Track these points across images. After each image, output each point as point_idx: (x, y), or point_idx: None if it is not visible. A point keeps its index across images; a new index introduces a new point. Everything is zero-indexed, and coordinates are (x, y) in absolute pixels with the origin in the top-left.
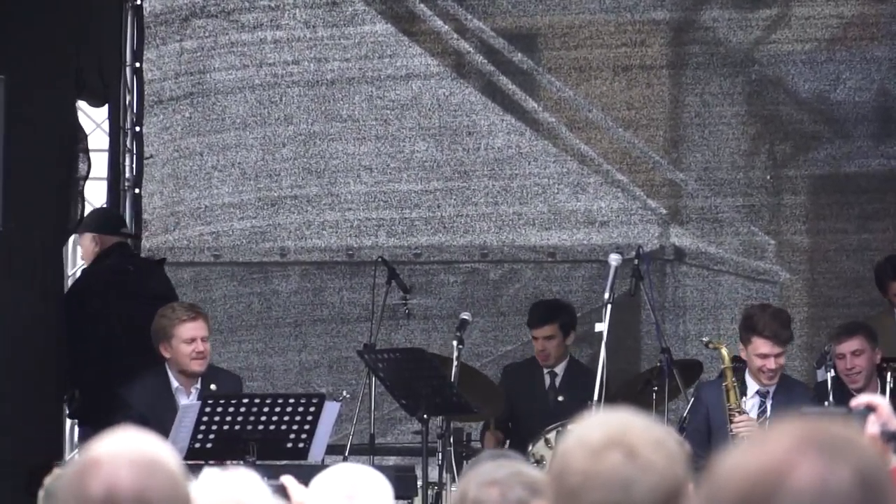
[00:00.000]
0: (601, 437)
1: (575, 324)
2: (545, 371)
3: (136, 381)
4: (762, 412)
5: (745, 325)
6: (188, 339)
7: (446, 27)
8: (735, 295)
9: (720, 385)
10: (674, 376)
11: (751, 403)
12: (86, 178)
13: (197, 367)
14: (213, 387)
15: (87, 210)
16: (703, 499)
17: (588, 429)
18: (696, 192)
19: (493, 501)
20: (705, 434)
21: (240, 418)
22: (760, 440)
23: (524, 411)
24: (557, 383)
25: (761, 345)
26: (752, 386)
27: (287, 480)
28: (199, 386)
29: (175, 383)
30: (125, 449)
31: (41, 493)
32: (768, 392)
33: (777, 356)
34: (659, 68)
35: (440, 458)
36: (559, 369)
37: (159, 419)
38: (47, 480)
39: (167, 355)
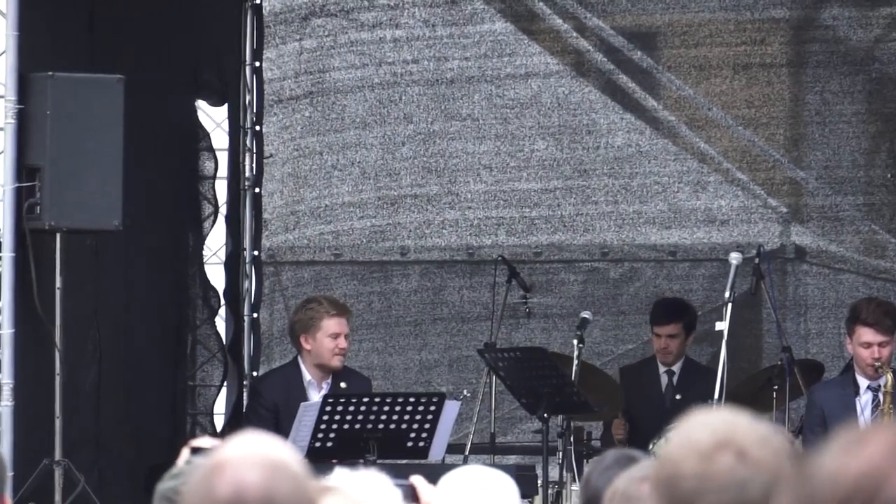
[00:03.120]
0: (709, 439)
1: (696, 323)
2: (662, 370)
3: (270, 372)
4: (876, 407)
5: (849, 316)
6: (333, 333)
7: (566, 26)
8: (856, 294)
9: (834, 385)
10: (795, 375)
11: (864, 399)
12: (213, 176)
13: (337, 362)
14: (342, 385)
15: (222, 208)
16: (799, 499)
17: (694, 432)
18: (817, 191)
19: (643, 497)
20: (821, 436)
21: (360, 417)
22: (856, 444)
23: (642, 411)
24: (675, 382)
25: (864, 332)
26: (864, 382)
27: (417, 481)
28: (329, 382)
29: (308, 376)
30: (251, 451)
31: (155, 496)
32: (880, 386)
33: (881, 345)
34: (779, 66)
35: (560, 457)
36: (676, 368)
37: (290, 411)
38: (159, 483)
39: (307, 347)
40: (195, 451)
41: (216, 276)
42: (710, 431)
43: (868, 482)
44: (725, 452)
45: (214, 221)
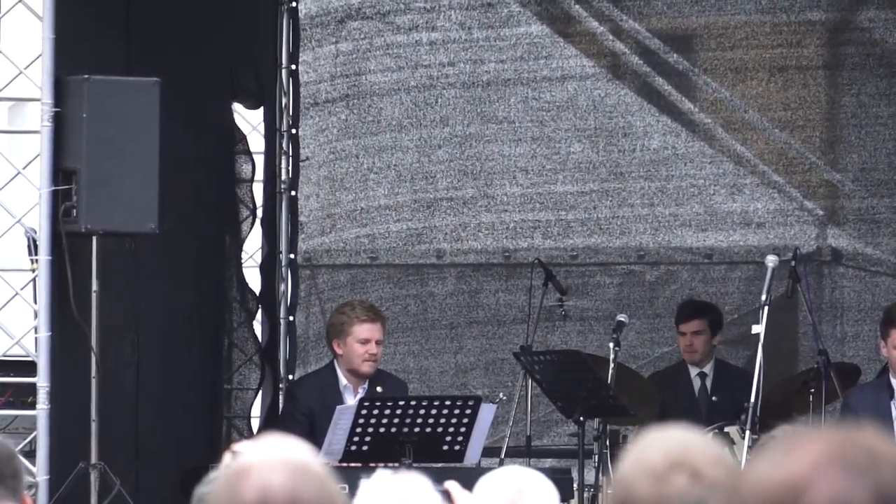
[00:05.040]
0: (663, 460)
1: (722, 323)
2: (694, 374)
3: (306, 376)
4: None
5: (884, 319)
6: (363, 339)
7: (602, 28)
8: (892, 296)
9: (869, 389)
10: (831, 378)
11: None
12: (251, 179)
13: (367, 368)
14: (379, 389)
15: (258, 211)
16: None
17: (647, 452)
18: (853, 193)
19: None
20: None
21: (396, 420)
22: (788, 451)
23: (677, 415)
24: (709, 384)
25: None
26: None
27: (451, 486)
28: (366, 386)
29: (344, 381)
30: (275, 454)
31: (193, 500)
32: None
33: None
34: (815, 69)
35: (596, 460)
36: (708, 370)
37: (326, 415)
38: (198, 487)
39: (339, 352)
40: (236, 455)
41: (252, 279)
42: (664, 452)
43: (787, 493)
44: (680, 473)
45: (252, 225)
